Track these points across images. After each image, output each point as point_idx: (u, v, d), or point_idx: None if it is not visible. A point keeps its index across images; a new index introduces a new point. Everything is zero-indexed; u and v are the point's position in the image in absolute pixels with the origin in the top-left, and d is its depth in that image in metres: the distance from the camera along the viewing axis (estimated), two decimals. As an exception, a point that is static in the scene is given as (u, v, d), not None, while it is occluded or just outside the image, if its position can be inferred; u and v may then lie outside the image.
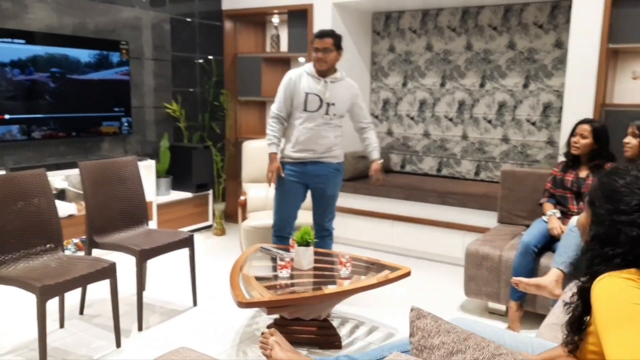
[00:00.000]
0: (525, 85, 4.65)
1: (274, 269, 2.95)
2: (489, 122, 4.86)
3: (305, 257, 2.90)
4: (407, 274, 2.89)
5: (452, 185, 4.70)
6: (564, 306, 1.34)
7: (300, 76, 3.30)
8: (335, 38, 3.25)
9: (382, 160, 3.60)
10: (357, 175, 4.89)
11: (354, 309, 3.33)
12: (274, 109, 3.37)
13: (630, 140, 2.90)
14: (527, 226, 3.61)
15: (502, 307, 3.33)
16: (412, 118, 5.25)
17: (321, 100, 3.26)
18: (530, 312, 3.15)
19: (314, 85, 3.27)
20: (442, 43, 4.98)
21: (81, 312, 3.24)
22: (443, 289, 3.80)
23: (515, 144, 4.76)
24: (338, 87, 3.32)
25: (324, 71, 3.27)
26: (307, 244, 2.90)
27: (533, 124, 4.66)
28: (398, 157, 5.39)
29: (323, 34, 3.24)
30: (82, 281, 2.69)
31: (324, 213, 3.50)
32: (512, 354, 1.03)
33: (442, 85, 5.04)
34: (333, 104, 3.29)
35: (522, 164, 4.70)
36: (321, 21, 4.79)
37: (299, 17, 5.02)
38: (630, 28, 3.61)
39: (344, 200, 4.73)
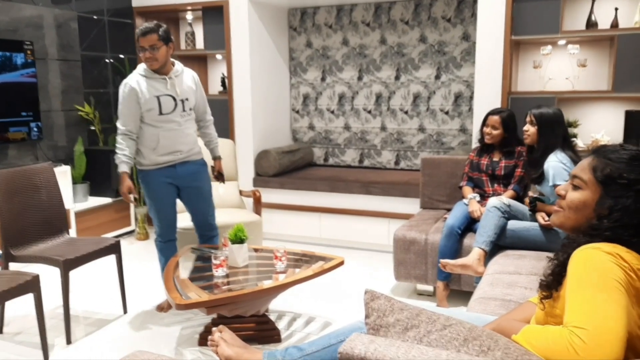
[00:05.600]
0: (437, 77, 4.88)
1: (208, 268, 2.91)
2: (406, 113, 5.06)
3: (239, 254, 2.89)
4: (341, 264, 2.96)
5: (374, 175, 4.85)
6: (549, 262, 1.40)
7: (141, 82, 3.06)
8: (160, 32, 3.00)
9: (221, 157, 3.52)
10: (283, 170, 4.92)
11: (290, 302, 3.37)
12: (120, 125, 3.09)
13: (528, 127, 3.11)
14: (448, 210, 3.81)
15: (430, 288, 3.50)
16: (332, 112, 5.35)
17: (175, 99, 3.11)
18: (456, 290, 3.34)
19: (161, 87, 3.07)
20: (358, 37, 5.12)
21: (0, 331, 3.04)
22: (373, 275, 3.93)
23: (431, 132, 4.99)
24: (183, 81, 3.18)
25: (161, 69, 3.06)
26: (241, 241, 2.89)
27: (446, 113, 4.90)
28: (321, 151, 5.48)
29: (145, 32, 2.98)
30: (2, 298, 2.52)
31: (207, 210, 3.37)
32: (461, 324, 1.11)
33: (360, 78, 5.17)
34: (187, 99, 3.16)
35: (439, 152, 4.94)
36: (237, 17, 4.76)
37: (214, 14, 4.96)
38: (529, 21, 3.91)
39: (271, 195, 4.75)
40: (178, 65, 3.19)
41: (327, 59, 5.27)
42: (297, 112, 5.50)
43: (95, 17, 4.91)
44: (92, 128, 4.88)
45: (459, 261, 2.92)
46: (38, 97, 4.30)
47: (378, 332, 1.12)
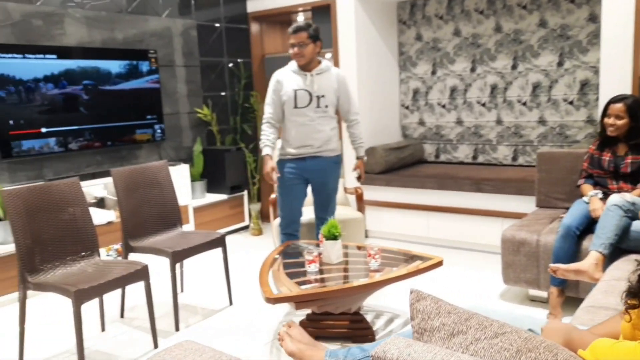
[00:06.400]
0: (560, 64, 4.47)
1: (305, 264, 2.93)
2: (524, 104, 4.70)
3: (333, 251, 2.88)
4: (439, 264, 2.81)
5: (488, 172, 4.57)
6: (638, 265, 1.22)
7: (286, 75, 3.32)
8: (309, 31, 3.22)
9: (366, 158, 3.70)
10: (390, 167, 4.83)
11: (389, 301, 3.28)
12: (266, 112, 3.38)
13: None
14: (566, 209, 3.46)
15: (543, 294, 3.20)
16: (443, 106, 5.14)
17: (310, 95, 3.27)
18: (573, 297, 3.02)
19: (301, 81, 3.28)
20: (470, 27, 4.86)
21: (122, 316, 3.33)
22: (482, 278, 3.70)
23: (552, 125, 4.59)
24: (324, 78, 3.32)
25: (307, 65, 3.27)
26: (334, 238, 2.87)
27: (570, 103, 4.47)
28: (432, 147, 5.29)
29: (296, 30, 3.23)
30: (116, 284, 2.74)
31: (326, 207, 3.49)
32: (517, 332, 0.98)
33: (473, 70, 4.91)
34: (323, 96, 3.30)
35: (562, 146, 4.52)
36: (345, 15, 4.76)
37: (322, 13, 5.01)
38: (667, -6, 3.42)
39: (377, 193, 4.68)
40: (324, 64, 3.37)
41: (438, 51, 5.07)
42: (407, 107, 5.36)
43: (213, 24, 5.20)
44: (210, 129, 5.17)
45: (573, 266, 2.63)
46: (161, 101, 4.66)
47: (422, 335, 1.03)
